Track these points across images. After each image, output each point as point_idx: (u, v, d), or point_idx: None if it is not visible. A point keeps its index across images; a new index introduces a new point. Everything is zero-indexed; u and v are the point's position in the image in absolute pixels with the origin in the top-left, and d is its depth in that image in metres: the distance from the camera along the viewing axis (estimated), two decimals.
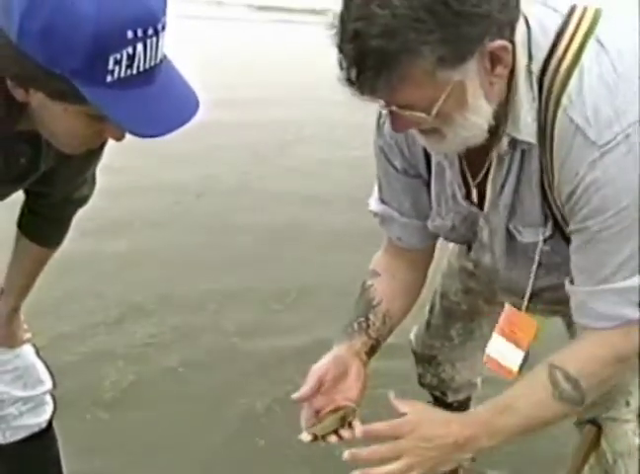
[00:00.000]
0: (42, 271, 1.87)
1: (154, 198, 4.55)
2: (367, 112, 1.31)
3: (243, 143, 5.59)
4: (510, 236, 1.50)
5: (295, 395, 1.52)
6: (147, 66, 1.12)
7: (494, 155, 1.39)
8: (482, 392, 2.29)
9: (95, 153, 1.54)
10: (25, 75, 1.13)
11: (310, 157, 5.37)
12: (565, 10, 1.31)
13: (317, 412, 1.52)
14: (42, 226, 1.79)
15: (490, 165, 1.42)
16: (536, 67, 1.29)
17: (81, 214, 1.82)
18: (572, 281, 1.41)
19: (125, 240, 3.99)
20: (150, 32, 1.09)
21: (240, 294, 3.50)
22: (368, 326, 1.63)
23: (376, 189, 1.67)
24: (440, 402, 2.38)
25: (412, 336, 2.26)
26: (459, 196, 1.50)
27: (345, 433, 1.48)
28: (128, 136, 1.22)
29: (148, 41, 1.09)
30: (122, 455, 2.50)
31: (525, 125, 1.31)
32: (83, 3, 1.04)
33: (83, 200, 1.77)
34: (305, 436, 1.47)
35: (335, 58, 1.21)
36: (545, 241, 1.45)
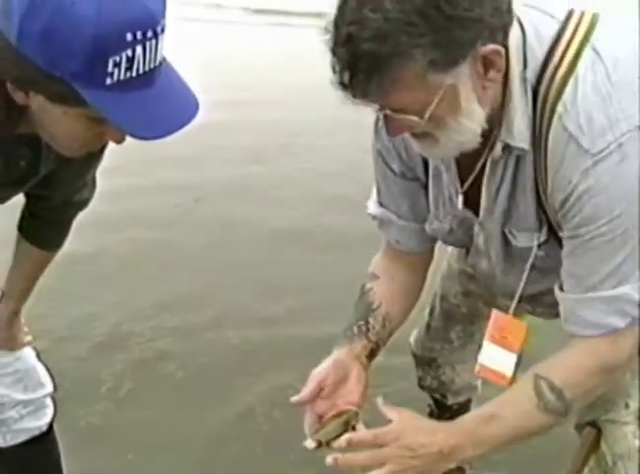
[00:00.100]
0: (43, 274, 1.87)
1: (154, 200, 4.54)
2: (367, 113, 1.31)
3: (242, 144, 5.58)
4: (505, 241, 1.50)
5: (294, 398, 1.52)
6: (147, 69, 1.12)
7: (488, 161, 1.40)
8: (482, 394, 2.29)
9: (95, 156, 1.54)
10: (25, 78, 1.13)
11: (310, 157, 5.38)
12: (561, 15, 1.32)
13: (320, 417, 1.53)
14: (43, 229, 1.79)
15: (481, 170, 1.42)
16: (532, 74, 1.29)
17: (81, 217, 1.82)
18: (561, 287, 1.42)
19: (125, 243, 3.98)
20: (150, 34, 1.09)
21: (240, 297, 3.49)
22: (368, 329, 1.64)
23: (375, 192, 1.68)
24: (440, 404, 2.39)
25: (412, 338, 2.27)
26: (456, 200, 1.51)
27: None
28: (128, 139, 1.22)
29: (147, 44, 1.10)
30: (121, 458, 2.49)
31: (519, 132, 1.32)
32: (83, 5, 1.04)
33: (83, 203, 1.77)
34: (309, 443, 1.46)
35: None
36: (540, 246, 1.46)
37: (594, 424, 1.73)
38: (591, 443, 1.75)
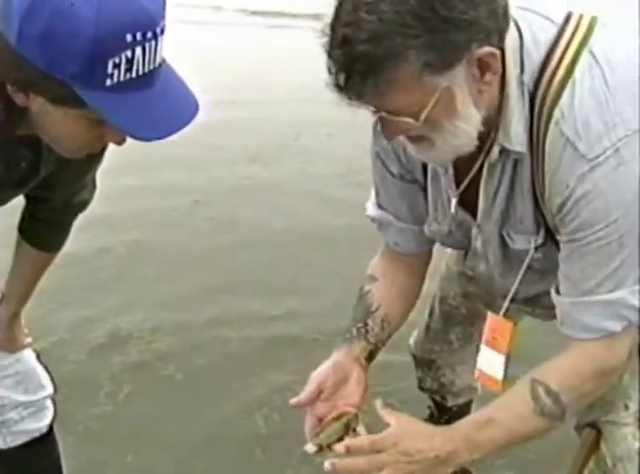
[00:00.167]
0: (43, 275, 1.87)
1: (153, 202, 4.53)
2: (366, 114, 1.31)
3: (242, 145, 5.58)
4: (503, 243, 1.51)
5: (293, 400, 1.53)
6: (146, 70, 1.12)
7: (485, 164, 1.40)
8: (483, 395, 2.29)
9: (95, 157, 1.54)
10: (25, 80, 1.13)
11: (309, 158, 5.38)
12: (559, 19, 1.32)
13: (320, 420, 1.53)
14: (43, 231, 1.79)
15: (478, 173, 1.42)
16: (529, 78, 1.30)
17: (80, 218, 1.82)
18: (558, 291, 1.43)
19: (124, 245, 3.98)
20: (149, 35, 1.09)
21: (239, 299, 3.48)
22: (367, 331, 1.64)
23: (373, 194, 1.68)
24: (440, 406, 2.39)
25: (411, 340, 2.27)
26: (451, 203, 1.51)
27: (350, 440, 1.49)
28: (128, 139, 1.22)
29: (147, 45, 1.10)
30: (120, 460, 2.49)
31: (516, 135, 1.32)
32: (82, 7, 1.05)
33: (83, 205, 1.77)
34: (310, 448, 1.46)
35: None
36: (537, 248, 1.46)
37: (593, 425, 1.73)
38: (590, 445, 1.75)
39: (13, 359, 1.90)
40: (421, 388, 2.35)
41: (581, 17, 1.33)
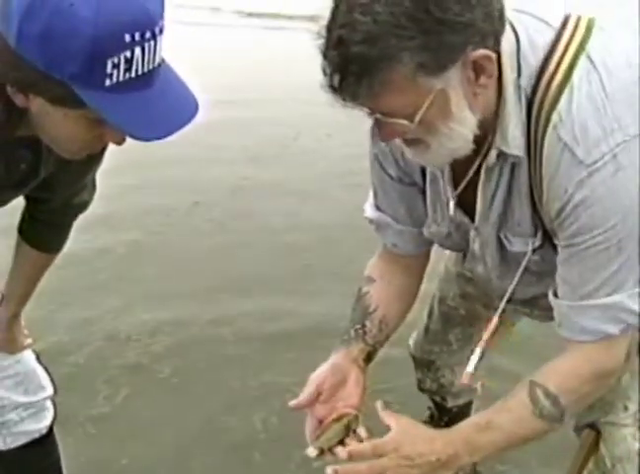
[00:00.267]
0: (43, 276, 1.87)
1: (152, 203, 4.53)
2: (364, 114, 1.31)
3: (241, 144, 5.59)
4: (500, 245, 1.51)
5: (292, 402, 1.53)
6: (146, 70, 1.12)
7: (483, 167, 1.40)
8: (483, 395, 2.29)
9: (95, 158, 1.54)
10: (24, 80, 1.13)
11: (308, 158, 5.38)
12: (557, 22, 1.32)
13: (320, 422, 1.53)
14: (43, 232, 1.79)
15: (475, 176, 1.43)
16: (526, 82, 1.30)
17: (79, 220, 1.82)
18: (555, 293, 1.43)
19: (124, 246, 3.98)
20: (148, 35, 1.10)
21: (238, 301, 3.47)
22: (365, 333, 1.64)
23: (372, 195, 1.68)
24: (440, 407, 2.39)
25: (411, 341, 2.27)
26: (450, 206, 1.51)
27: (351, 441, 1.49)
28: (127, 139, 1.22)
29: (146, 45, 1.10)
30: (116, 463, 2.48)
31: (514, 139, 1.32)
32: (81, 7, 1.05)
33: (83, 206, 1.77)
34: (311, 451, 1.46)
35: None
36: (535, 251, 1.46)
37: (593, 426, 1.74)
38: (590, 446, 1.75)
39: (13, 360, 1.90)
40: (420, 389, 2.35)
41: (578, 19, 1.33)
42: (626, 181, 1.25)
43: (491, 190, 1.42)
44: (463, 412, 2.33)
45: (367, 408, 1.55)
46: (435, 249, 1.73)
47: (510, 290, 1.54)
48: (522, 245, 1.47)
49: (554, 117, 1.27)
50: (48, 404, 1.99)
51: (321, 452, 1.46)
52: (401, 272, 1.70)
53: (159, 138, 1.15)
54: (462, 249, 1.65)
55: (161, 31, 1.12)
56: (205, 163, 5.24)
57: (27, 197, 1.70)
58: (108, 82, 1.09)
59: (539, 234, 1.43)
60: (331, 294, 3.37)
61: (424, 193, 1.58)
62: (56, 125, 1.21)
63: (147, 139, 1.14)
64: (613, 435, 1.71)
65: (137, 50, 1.09)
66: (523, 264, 1.49)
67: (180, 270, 3.77)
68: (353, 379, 1.57)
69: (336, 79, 1.20)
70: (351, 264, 3.10)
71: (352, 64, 1.17)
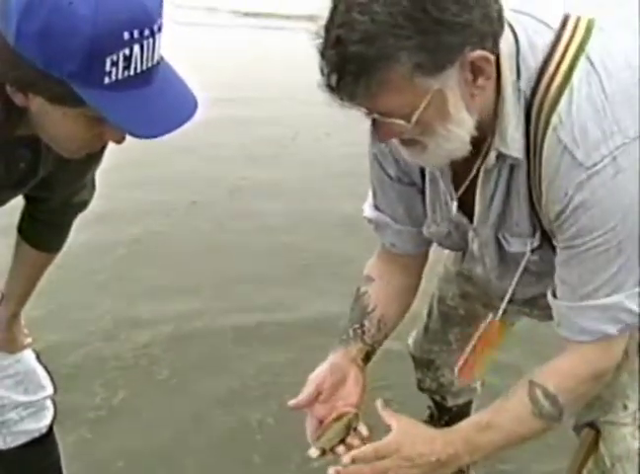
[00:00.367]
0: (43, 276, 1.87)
1: (152, 202, 4.53)
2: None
3: (240, 143, 5.58)
4: (499, 246, 1.51)
5: (292, 402, 1.53)
6: (144, 67, 1.12)
7: (481, 169, 1.40)
8: (483, 395, 2.29)
9: (94, 157, 1.54)
10: (23, 79, 1.13)
11: (307, 157, 5.38)
12: (556, 23, 1.32)
13: (321, 422, 1.54)
14: (42, 231, 1.79)
15: (474, 177, 1.43)
16: (525, 84, 1.29)
17: (78, 219, 1.82)
18: (554, 293, 1.44)
19: (123, 246, 3.97)
20: (147, 33, 1.10)
21: (237, 302, 3.47)
22: (364, 332, 1.65)
23: (370, 195, 1.68)
24: (440, 406, 2.39)
25: (410, 340, 2.27)
26: (451, 206, 1.52)
27: (352, 440, 1.50)
28: (126, 138, 1.23)
29: (145, 43, 1.10)
30: (112, 466, 2.47)
31: (513, 140, 1.32)
32: (80, 5, 1.05)
33: (83, 205, 1.77)
34: (313, 452, 1.47)
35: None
36: (533, 251, 1.47)
37: (592, 425, 1.74)
38: (589, 445, 1.75)
39: (13, 360, 1.90)
40: (420, 388, 2.35)
41: (578, 20, 1.33)
42: (626, 183, 1.26)
43: (490, 190, 1.42)
44: (463, 411, 2.33)
45: (367, 407, 1.55)
46: (434, 248, 1.73)
47: (510, 292, 1.55)
48: (521, 245, 1.47)
49: (554, 118, 1.27)
50: (48, 403, 1.99)
51: (323, 453, 1.47)
52: (400, 271, 1.70)
53: (158, 136, 1.15)
54: (462, 249, 1.65)
55: (160, 28, 1.12)
56: (204, 162, 5.23)
57: (26, 197, 1.70)
58: (107, 80, 1.09)
59: (538, 234, 1.44)
60: (330, 294, 3.37)
61: (423, 193, 1.58)
62: (56, 124, 1.22)
63: (146, 137, 1.15)
64: (613, 435, 1.71)
65: (136, 48, 1.09)
66: (522, 264, 1.49)
67: (179, 270, 3.76)
68: (352, 378, 1.57)
69: (333, 78, 1.20)
70: (349, 263, 3.11)
71: (349, 64, 1.17)
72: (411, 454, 1.41)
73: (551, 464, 2.29)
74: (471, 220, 1.51)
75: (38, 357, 1.97)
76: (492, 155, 1.36)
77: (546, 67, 1.28)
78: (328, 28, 1.19)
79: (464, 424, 1.51)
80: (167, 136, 1.16)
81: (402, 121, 1.24)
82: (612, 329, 1.38)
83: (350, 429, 1.50)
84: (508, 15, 1.26)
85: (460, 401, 2.36)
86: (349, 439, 1.49)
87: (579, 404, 1.53)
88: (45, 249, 1.82)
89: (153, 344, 3.14)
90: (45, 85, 1.11)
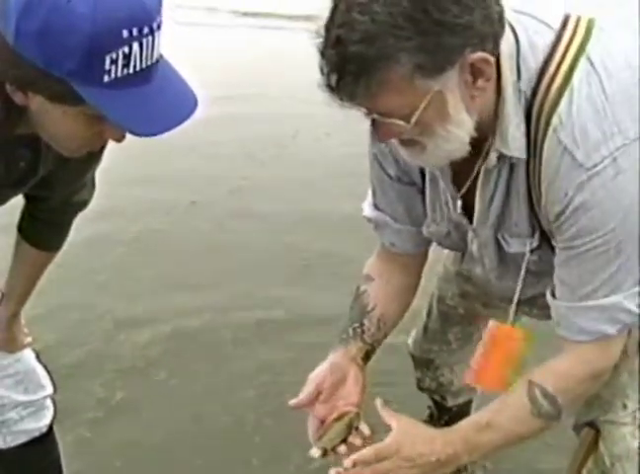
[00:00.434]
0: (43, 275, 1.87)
1: (152, 201, 4.52)
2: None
3: (240, 143, 5.57)
4: (498, 246, 1.51)
5: (292, 401, 1.54)
6: (144, 65, 1.12)
7: (481, 169, 1.40)
8: (483, 395, 2.29)
9: (94, 156, 1.54)
10: (23, 78, 1.13)
11: (307, 157, 5.37)
12: (556, 23, 1.32)
13: (322, 422, 1.54)
14: (42, 230, 1.79)
15: (475, 177, 1.43)
16: (526, 85, 1.29)
17: (78, 219, 1.82)
18: (553, 293, 1.44)
19: (123, 245, 3.97)
20: (146, 31, 1.10)
21: (237, 303, 3.45)
22: (363, 331, 1.65)
23: (370, 194, 1.68)
24: (439, 406, 2.39)
25: (410, 340, 2.27)
26: (452, 205, 1.52)
27: (354, 439, 1.50)
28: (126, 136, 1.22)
29: (144, 41, 1.10)
30: (109, 466, 2.46)
31: (514, 140, 1.32)
32: (79, 3, 1.05)
33: (83, 204, 1.77)
34: (315, 452, 1.47)
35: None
36: (532, 251, 1.47)
37: (592, 424, 1.74)
38: (589, 444, 1.75)
39: (13, 359, 1.90)
40: (420, 388, 2.35)
41: (578, 20, 1.33)
42: (626, 184, 1.26)
43: (490, 191, 1.42)
44: (463, 411, 2.33)
45: (368, 406, 1.55)
46: (434, 248, 1.73)
47: (517, 295, 1.54)
48: (520, 246, 1.47)
49: (554, 119, 1.27)
50: (48, 403, 1.99)
51: (324, 453, 1.47)
52: (399, 270, 1.71)
53: (158, 134, 1.15)
54: (461, 249, 1.65)
55: (159, 26, 1.12)
56: (204, 160, 5.22)
57: (26, 196, 1.70)
58: (106, 78, 1.09)
59: (537, 235, 1.44)
60: (330, 293, 3.36)
61: (423, 192, 1.58)
62: (56, 123, 1.22)
63: (146, 135, 1.15)
64: (612, 434, 1.71)
65: (135, 46, 1.09)
66: (524, 266, 1.49)
67: (179, 268, 3.76)
68: (352, 377, 1.58)
69: (333, 78, 1.20)
70: (350, 263, 3.10)
71: (349, 64, 1.17)
72: (411, 454, 1.42)
73: (551, 463, 2.30)
74: (471, 221, 1.51)
75: (37, 357, 1.97)
76: (492, 156, 1.36)
77: (547, 68, 1.28)
78: (328, 27, 1.19)
79: (464, 423, 1.51)
80: (167, 134, 1.16)
81: (401, 122, 1.24)
82: (611, 329, 1.38)
83: (351, 428, 1.50)
84: (508, 15, 1.26)
85: (460, 401, 2.36)
86: (350, 439, 1.50)
87: (577, 403, 1.55)
88: (45, 248, 1.82)
89: (153, 343, 3.13)
90: (45, 83, 1.11)
